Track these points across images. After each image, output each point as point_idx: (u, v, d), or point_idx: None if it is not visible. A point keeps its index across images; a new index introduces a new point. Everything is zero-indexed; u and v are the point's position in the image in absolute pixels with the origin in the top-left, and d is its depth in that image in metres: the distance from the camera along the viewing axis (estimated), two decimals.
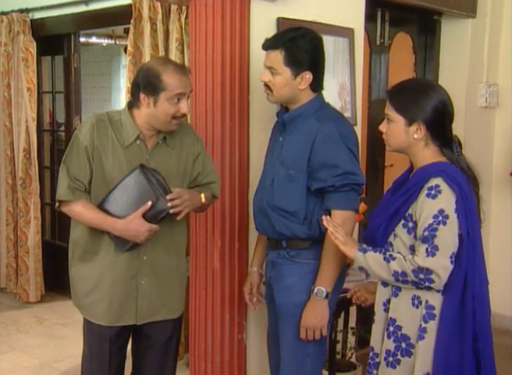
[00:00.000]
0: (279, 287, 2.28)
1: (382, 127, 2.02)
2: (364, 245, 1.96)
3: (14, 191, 4.49)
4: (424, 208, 1.86)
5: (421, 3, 3.61)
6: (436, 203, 1.85)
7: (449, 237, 1.84)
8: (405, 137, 1.96)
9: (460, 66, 4.01)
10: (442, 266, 1.83)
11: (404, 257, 1.88)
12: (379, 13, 3.75)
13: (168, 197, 2.11)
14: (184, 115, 2.19)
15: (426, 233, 1.84)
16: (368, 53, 3.61)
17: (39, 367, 3.51)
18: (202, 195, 2.25)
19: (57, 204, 2.24)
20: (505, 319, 3.98)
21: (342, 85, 3.03)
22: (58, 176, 2.21)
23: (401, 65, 4.01)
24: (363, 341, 3.06)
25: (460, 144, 2.00)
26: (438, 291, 1.89)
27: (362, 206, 2.79)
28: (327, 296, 2.16)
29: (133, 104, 2.21)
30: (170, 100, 2.11)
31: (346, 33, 3.03)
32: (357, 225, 2.97)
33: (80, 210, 2.17)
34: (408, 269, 1.86)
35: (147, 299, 2.24)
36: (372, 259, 1.93)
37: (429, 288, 1.87)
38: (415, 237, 1.91)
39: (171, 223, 2.23)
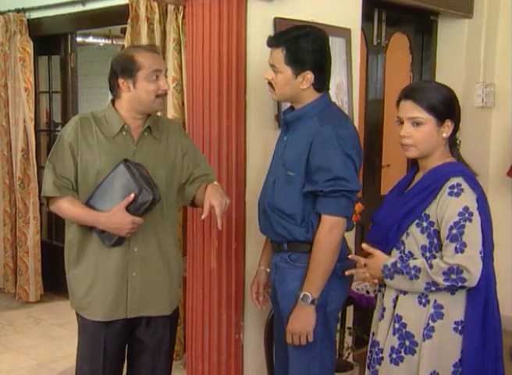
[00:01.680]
0: (282, 291, 2.27)
1: (406, 132, 1.95)
2: (387, 270, 1.95)
3: (11, 191, 4.49)
4: (448, 207, 1.86)
5: (417, 3, 3.61)
6: (460, 201, 1.86)
7: (476, 234, 1.86)
8: (436, 137, 1.95)
9: (457, 66, 4.02)
10: (472, 261, 1.84)
11: (430, 263, 1.87)
12: (376, 13, 3.75)
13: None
14: (166, 93, 2.22)
15: (454, 231, 1.84)
16: (364, 53, 3.61)
17: (36, 368, 3.50)
18: (215, 183, 2.30)
19: (45, 202, 2.26)
20: (504, 319, 3.98)
21: (339, 85, 3.03)
22: (44, 174, 2.22)
23: (398, 65, 4.01)
24: (360, 341, 3.06)
25: (459, 141, 2.03)
26: (448, 291, 1.89)
27: (359, 206, 2.79)
28: (313, 302, 2.14)
29: (114, 97, 2.23)
30: (148, 78, 2.15)
31: (343, 33, 3.03)
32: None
33: (67, 206, 2.18)
34: (436, 276, 1.84)
35: (139, 292, 2.23)
36: (399, 283, 1.93)
37: (463, 287, 1.87)
38: (428, 236, 1.91)
39: (163, 216, 2.24)
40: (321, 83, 2.19)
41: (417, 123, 1.94)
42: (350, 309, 2.99)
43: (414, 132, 1.95)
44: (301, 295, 2.15)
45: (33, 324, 4.14)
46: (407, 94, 1.98)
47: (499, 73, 4.15)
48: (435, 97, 1.94)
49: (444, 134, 1.95)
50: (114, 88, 2.21)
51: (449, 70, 4.03)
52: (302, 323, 2.16)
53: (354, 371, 2.99)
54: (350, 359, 3.09)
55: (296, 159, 2.17)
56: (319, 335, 2.21)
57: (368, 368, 2.11)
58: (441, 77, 4.03)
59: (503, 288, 3.93)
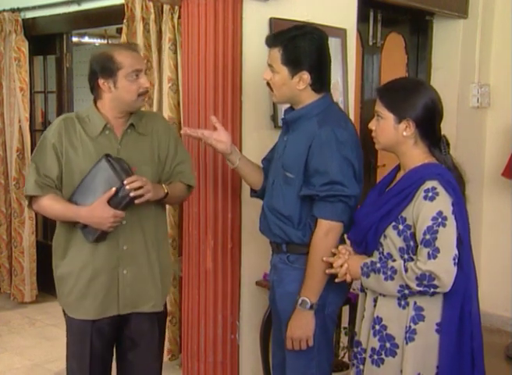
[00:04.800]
0: (280, 292, 2.27)
1: (372, 125, 2.02)
2: (365, 268, 1.96)
3: (7, 192, 4.47)
4: (422, 211, 1.85)
5: (413, 4, 3.62)
6: (434, 205, 1.84)
7: (449, 239, 1.84)
8: (394, 134, 1.96)
9: (452, 66, 4.03)
10: (444, 268, 1.83)
11: (406, 267, 1.87)
12: (372, 14, 3.77)
13: (127, 179, 2.09)
14: (147, 90, 2.21)
15: (428, 237, 1.83)
16: (360, 53, 3.62)
17: (31, 368, 3.49)
18: (163, 185, 2.26)
19: (27, 202, 2.25)
20: (496, 318, 4.00)
21: (334, 85, 3.03)
22: (27, 173, 2.22)
23: (393, 65, 4.02)
24: None
25: (448, 144, 2.00)
26: (425, 293, 1.88)
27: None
28: (312, 307, 2.13)
29: (95, 97, 2.22)
30: (128, 77, 2.14)
31: (339, 33, 3.03)
32: None
33: (48, 203, 2.18)
34: (409, 280, 1.85)
35: (130, 289, 2.23)
36: (374, 283, 1.94)
37: (436, 293, 1.87)
38: (405, 239, 1.91)
39: (150, 213, 2.24)
40: (319, 84, 2.17)
41: (378, 118, 1.99)
42: (345, 309, 2.99)
43: (377, 125, 2.00)
44: (300, 301, 2.14)
45: (28, 325, 4.13)
46: (377, 89, 2.05)
47: (495, 73, 4.17)
48: (396, 95, 1.96)
49: (404, 133, 1.94)
50: (94, 89, 2.20)
51: (444, 70, 4.05)
52: (301, 328, 2.15)
53: (350, 371, 2.99)
54: (346, 359, 3.09)
55: (295, 161, 2.15)
56: (317, 338, 2.20)
57: (352, 366, 2.13)
58: (436, 77, 4.05)
59: (503, 288, 3.98)
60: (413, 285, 1.85)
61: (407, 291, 1.88)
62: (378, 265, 1.93)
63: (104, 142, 2.20)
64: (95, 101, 2.23)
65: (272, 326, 2.44)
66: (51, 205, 2.18)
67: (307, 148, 2.11)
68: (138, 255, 2.24)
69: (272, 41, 2.18)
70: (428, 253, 1.83)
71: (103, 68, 2.14)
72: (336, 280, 2.06)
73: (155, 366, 2.38)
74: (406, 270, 1.86)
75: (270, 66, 2.17)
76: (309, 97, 2.17)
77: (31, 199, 2.22)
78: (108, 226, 2.12)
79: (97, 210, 2.10)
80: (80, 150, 2.18)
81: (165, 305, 2.41)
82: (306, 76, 2.13)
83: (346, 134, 2.12)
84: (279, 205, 2.20)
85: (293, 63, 2.12)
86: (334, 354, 2.99)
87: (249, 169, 2.40)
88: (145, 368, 2.34)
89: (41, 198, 2.19)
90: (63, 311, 2.32)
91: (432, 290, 1.85)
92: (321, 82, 2.18)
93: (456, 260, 1.84)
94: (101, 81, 2.16)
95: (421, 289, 1.85)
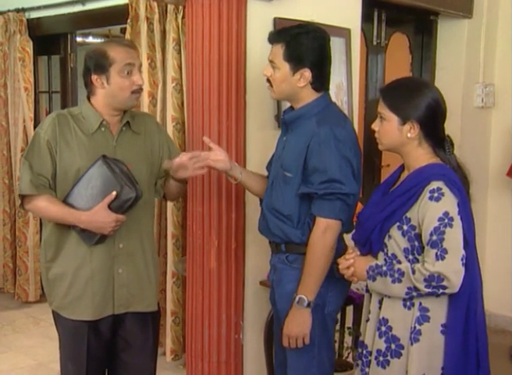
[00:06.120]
0: (279, 292, 2.27)
1: (375, 126, 2.00)
2: (371, 271, 1.95)
3: (11, 191, 4.49)
4: (428, 211, 1.84)
5: (417, 3, 3.61)
6: (440, 206, 1.84)
7: (456, 240, 1.83)
8: (398, 135, 1.95)
9: (457, 66, 4.02)
10: (452, 269, 1.82)
11: (413, 268, 1.86)
12: (376, 13, 3.76)
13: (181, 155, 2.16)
14: (141, 88, 2.20)
15: (434, 238, 1.82)
16: (364, 53, 3.62)
17: (35, 368, 3.50)
18: None
19: (19, 201, 2.23)
20: (501, 319, 4.00)
21: (338, 85, 3.03)
22: (20, 172, 2.19)
23: (398, 65, 4.02)
24: None
25: (452, 144, 1.99)
26: (432, 294, 1.88)
27: (358, 206, 2.79)
28: (309, 305, 2.12)
29: (89, 93, 2.22)
30: (121, 73, 2.13)
31: (343, 33, 3.03)
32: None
33: (44, 205, 2.15)
34: (417, 282, 1.84)
35: (126, 288, 2.22)
36: (380, 286, 1.93)
37: (444, 294, 1.86)
38: (409, 240, 1.90)
39: (144, 211, 2.25)
40: (320, 82, 2.17)
41: (381, 119, 1.97)
42: (349, 309, 2.99)
43: (380, 127, 1.99)
44: (297, 298, 2.13)
45: (32, 324, 4.14)
46: (380, 90, 2.05)
47: (499, 73, 4.16)
48: (399, 96, 1.95)
49: (408, 134, 1.93)
50: (88, 85, 2.20)
51: (448, 70, 4.04)
52: (298, 325, 2.15)
53: (354, 371, 2.99)
54: (350, 359, 3.09)
55: (294, 160, 2.15)
56: (317, 337, 2.20)
57: (356, 366, 2.13)
58: (441, 77, 4.04)
59: (503, 289, 3.97)
60: (421, 287, 1.84)
61: (415, 293, 1.87)
62: (384, 268, 1.92)
63: (100, 139, 2.19)
64: (89, 98, 2.22)
65: (274, 326, 2.44)
66: (48, 207, 2.15)
67: (306, 147, 2.11)
68: (134, 252, 2.24)
69: (275, 37, 2.18)
70: (436, 254, 1.82)
71: (96, 64, 2.14)
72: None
73: (150, 367, 2.37)
74: (413, 272, 1.85)
75: (271, 62, 2.17)
76: (308, 95, 2.17)
77: (23, 198, 2.20)
78: (109, 230, 2.12)
79: (98, 215, 2.09)
80: (76, 147, 2.16)
81: (158, 304, 2.41)
82: (307, 73, 2.13)
83: (345, 133, 2.13)
84: (279, 205, 2.20)
85: (295, 60, 2.12)
86: (338, 354, 2.99)
87: (253, 180, 2.38)
88: (140, 368, 2.33)
89: (36, 199, 2.16)
90: (53, 313, 2.29)
91: (440, 291, 1.84)
92: (321, 81, 2.18)
93: (464, 260, 1.83)
94: (94, 77, 2.15)
95: (429, 290, 1.84)
